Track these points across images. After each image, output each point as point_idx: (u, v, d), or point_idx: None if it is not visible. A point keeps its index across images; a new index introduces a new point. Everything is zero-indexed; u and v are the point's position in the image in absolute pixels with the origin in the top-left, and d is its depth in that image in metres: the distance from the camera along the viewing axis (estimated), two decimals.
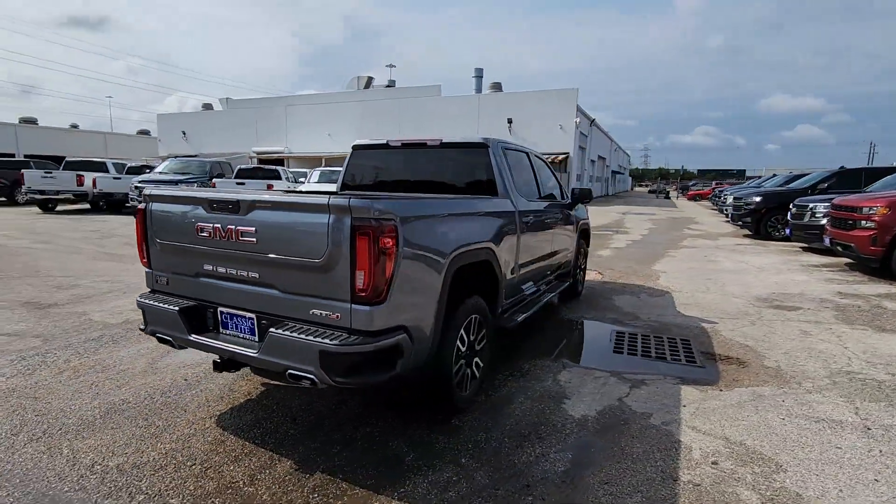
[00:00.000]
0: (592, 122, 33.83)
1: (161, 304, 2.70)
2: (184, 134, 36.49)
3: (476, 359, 3.16)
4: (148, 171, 15.53)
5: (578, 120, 27.76)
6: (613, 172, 53.56)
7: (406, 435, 2.77)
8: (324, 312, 2.29)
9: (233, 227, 2.43)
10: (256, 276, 2.45)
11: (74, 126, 47.92)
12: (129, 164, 16.73)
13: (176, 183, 12.82)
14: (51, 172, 14.96)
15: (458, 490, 2.28)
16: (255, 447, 2.61)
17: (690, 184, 55.73)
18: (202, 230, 2.54)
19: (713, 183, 46.79)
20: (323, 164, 29.27)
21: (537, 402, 3.22)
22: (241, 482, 2.30)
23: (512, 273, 3.69)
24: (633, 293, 6.34)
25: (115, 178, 15.16)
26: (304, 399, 3.19)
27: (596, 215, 19.58)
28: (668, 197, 45.44)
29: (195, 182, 13.02)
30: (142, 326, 2.86)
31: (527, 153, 4.57)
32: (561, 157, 27.34)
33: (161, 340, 2.77)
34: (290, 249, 2.31)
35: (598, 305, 5.71)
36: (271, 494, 2.22)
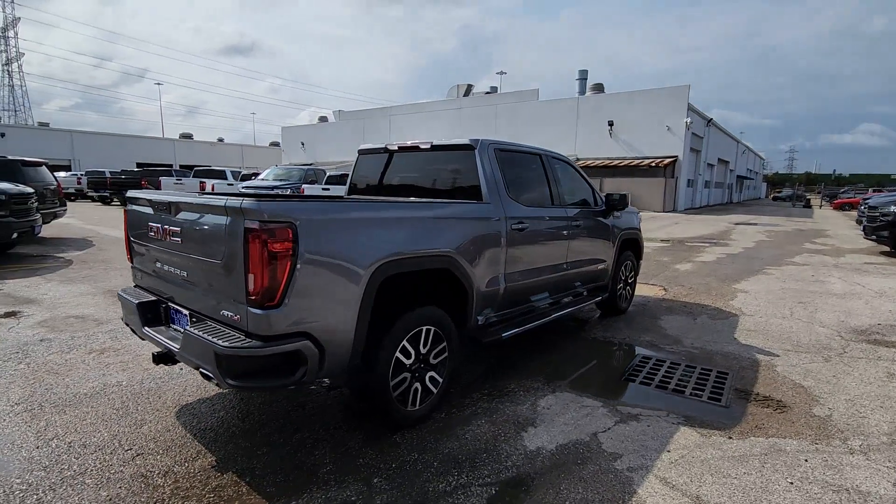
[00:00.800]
0: (709, 121, 30.69)
1: (127, 298, 2.93)
2: (302, 144, 40.11)
3: (431, 373, 2.97)
4: (254, 178, 17.31)
5: (689, 120, 25.38)
6: (740, 178, 48.04)
7: (339, 445, 2.68)
8: (229, 313, 2.31)
9: (167, 227, 2.56)
10: (185, 274, 2.55)
11: (220, 140, 55.25)
12: (242, 172, 18.81)
13: (272, 188, 14.10)
14: (181, 180, 17.39)
15: None
16: (191, 440, 2.71)
17: (841, 191, 47.83)
18: (151, 230, 2.71)
19: (869, 190, 39.65)
20: None
21: (498, 426, 2.93)
22: (156, 473, 2.40)
23: (496, 284, 3.42)
24: (691, 314, 5.56)
25: (228, 185, 17.15)
26: (269, 398, 3.25)
27: (699, 225, 17.73)
28: (807, 205, 39.61)
29: (288, 188, 14.20)
30: (121, 317, 3.14)
31: (540, 155, 4.23)
32: (667, 160, 25.19)
33: (132, 331, 3.01)
34: (201, 250, 2.36)
35: (638, 325, 5.10)
36: (175, 489, 2.28)
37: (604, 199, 4.94)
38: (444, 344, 3.03)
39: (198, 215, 2.39)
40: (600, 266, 4.89)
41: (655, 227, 16.41)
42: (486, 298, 3.39)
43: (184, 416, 2.99)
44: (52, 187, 10.22)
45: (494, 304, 3.53)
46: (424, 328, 2.87)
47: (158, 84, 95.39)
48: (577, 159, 27.74)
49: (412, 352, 2.81)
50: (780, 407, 3.25)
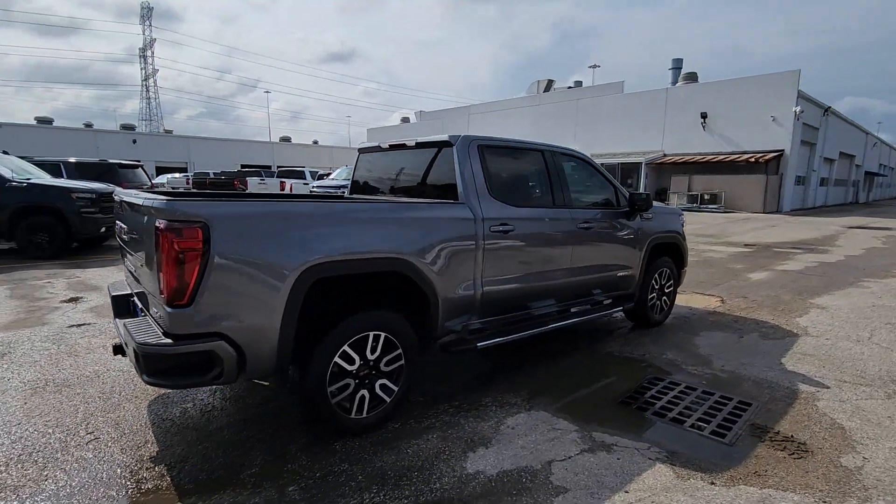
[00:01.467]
0: (826, 110, 26.97)
1: (110, 291, 3.14)
2: None
3: (383, 381, 2.84)
4: (325, 178, 18.19)
5: (800, 109, 22.49)
6: (869, 174, 41.76)
7: (278, 448, 2.65)
8: (156, 310, 2.36)
9: (122, 225, 2.69)
10: (135, 270, 2.66)
11: (315, 142, 59.05)
12: (319, 172, 19.88)
13: (337, 188, 14.69)
14: (264, 180, 18.79)
15: None
16: (147, 429, 2.82)
17: None
18: (119, 228, 2.87)
19: None
20: None
21: (448, 443, 2.73)
22: (99, 458, 2.52)
23: (469, 290, 3.19)
24: (739, 331, 4.86)
25: (304, 184, 18.21)
26: (238, 393, 3.32)
27: (800, 228, 15.69)
28: None
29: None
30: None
31: (543, 152, 3.90)
32: (770, 155, 22.55)
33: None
34: (139, 247, 2.44)
35: (667, 341, 4.55)
36: (105, 477, 2.38)
37: (628, 199, 4.46)
38: (399, 351, 2.88)
39: (135, 214, 2.48)
40: (622, 273, 4.42)
41: (743, 231, 14.75)
42: (459, 305, 3.18)
43: (156, 405, 3.13)
44: (145, 187, 11.46)
45: (474, 311, 3.31)
46: (372, 333, 2.74)
47: (267, 92, 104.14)
48: (664, 155, 25.82)
49: (356, 358, 2.70)
50: (799, 451, 2.69)
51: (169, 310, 2.18)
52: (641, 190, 25.42)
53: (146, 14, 73.23)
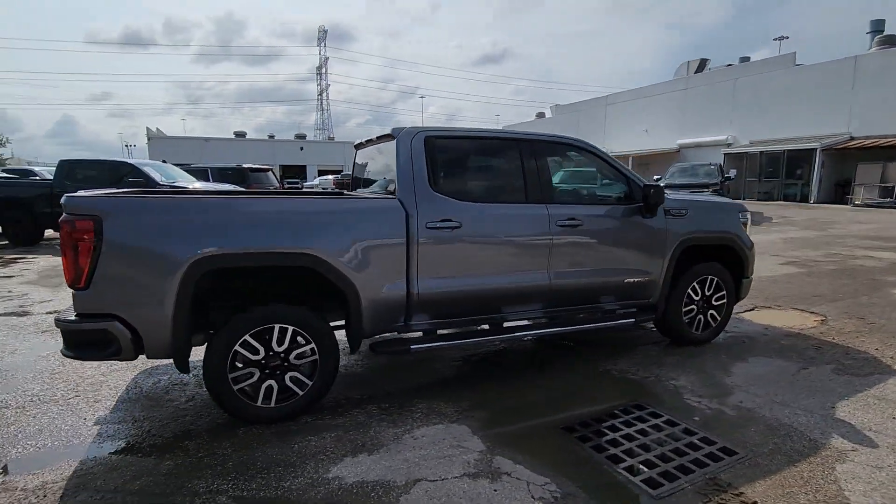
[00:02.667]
0: None
1: None
2: None
3: (294, 374, 2.88)
4: None
5: None
6: None
7: (187, 427, 2.86)
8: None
9: None
10: None
11: None
12: None
13: None
14: None
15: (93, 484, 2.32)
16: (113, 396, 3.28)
17: None
18: None
19: None
20: (630, 164, 27.72)
21: (338, 443, 2.66)
22: (68, 408, 3.02)
23: (401, 289, 3.05)
24: (808, 361, 3.80)
25: None
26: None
27: None
28: None
29: None
30: None
31: (518, 140, 3.51)
32: None
33: None
34: None
35: (694, 364, 3.77)
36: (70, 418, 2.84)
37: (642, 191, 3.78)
38: (312, 346, 2.89)
39: None
40: (632, 279, 3.77)
41: None
42: (389, 305, 3.06)
43: (142, 375, 3.62)
44: (273, 188, 13.18)
45: (411, 313, 3.15)
46: (278, 326, 2.80)
47: (422, 97, 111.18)
48: (851, 139, 21.02)
49: (261, 348, 2.78)
50: None
51: (73, 292, 2.52)
52: (814, 182, 21.08)
53: (322, 37, 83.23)
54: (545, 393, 3.31)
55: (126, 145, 65.31)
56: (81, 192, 2.68)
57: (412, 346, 3.16)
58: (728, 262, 4.23)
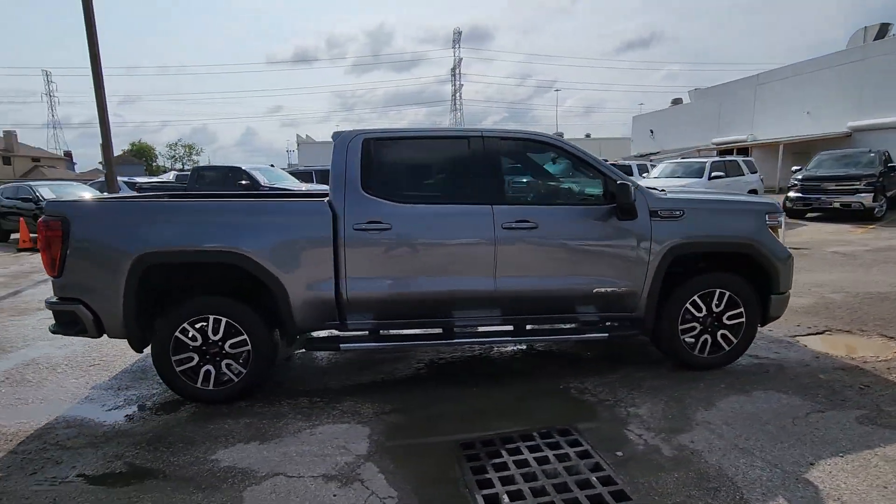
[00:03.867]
0: None
1: None
2: (651, 133, 37.84)
3: (228, 361, 3.16)
4: None
5: None
6: None
7: (153, 404, 3.32)
8: None
9: None
10: None
11: (587, 136, 58.68)
12: None
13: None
14: None
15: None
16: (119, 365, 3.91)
17: None
18: None
19: None
20: (780, 152, 23.96)
21: (246, 429, 2.86)
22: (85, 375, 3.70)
23: (329, 289, 3.14)
24: (837, 404, 3.02)
25: None
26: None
27: None
28: None
29: None
30: None
31: (468, 139, 3.33)
32: None
33: None
34: None
35: (673, 392, 3.23)
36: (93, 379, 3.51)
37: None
38: (244, 337, 3.13)
39: None
40: (609, 289, 3.35)
41: None
42: (319, 304, 3.17)
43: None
44: None
45: (344, 312, 3.23)
46: (213, 317, 3.10)
47: (557, 91, 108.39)
48: None
49: (198, 336, 3.11)
50: None
51: (50, 279, 3.09)
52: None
53: (456, 39, 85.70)
54: (480, 404, 3.13)
55: (287, 151, 74.95)
56: (55, 198, 3.26)
57: (342, 345, 3.24)
58: (751, 274, 3.51)
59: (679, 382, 3.35)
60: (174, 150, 74.41)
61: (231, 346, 3.15)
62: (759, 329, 3.61)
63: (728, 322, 3.51)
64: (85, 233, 3.00)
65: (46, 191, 10.71)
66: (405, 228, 3.18)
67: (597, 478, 2.33)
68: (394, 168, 3.34)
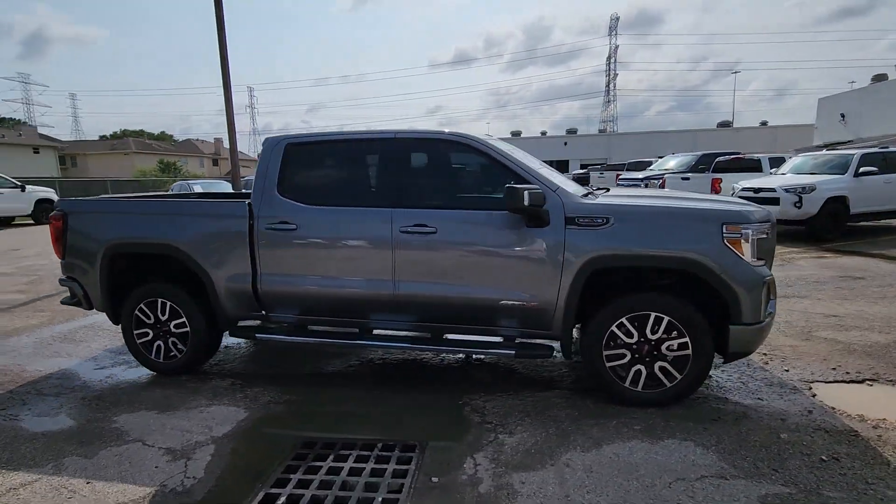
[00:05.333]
0: None
1: None
2: (842, 117, 31.13)
3: (173, 339, 3.66)
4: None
5: None
6: None
7: (126, 368, 3.98)
8: None
9: None
10: None
11: (764, 123, 50.72)
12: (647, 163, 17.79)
13: (639, 181, 13.15)
14: (602, 174, 18.62)
15: None
16: None
17: None
18: None
19: None
20: None
21: (160, 399, 3.30)
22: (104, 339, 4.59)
23: (245, 282, 3.43)
24: (759, 469, 2.34)
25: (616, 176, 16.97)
26: None
27: None
28: None
29: (659, 178, 12.71)
30: None
31: (383, 140, 3.30)
32: None
33: None
34: None
35: (564, 425, 2.82)
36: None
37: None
38: (184, 319, 3.60)
39: None
40: (515, 302, 3.06)
41: None
42: (240, 296, 3.48)
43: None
44: None
45: (261, 305, 3.49)
46: (160, 300, 3.63)
47: (735, 73, 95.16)
48: None
49: (151, 315, 3.66)
50: None
51: (59, 261, 3.91)
52: None
53: (613, 25, 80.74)
54: (366, 408, 3.13)
55: None
56: (61, 197, 4.08)
57: (257, 335, 3.51)
58: (704, 296, 2.88)
59: (589, 416, 2.90)
60: None
61: (175, 327, 3.64)
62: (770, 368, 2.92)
63: (669, 353, 2.92)
64: (77, 225, 3.74)
65: (198, 188, 13.14)
66: (309, 229, 3.31)
67: (384, 499, 2.21)
68: (308, 171, 3.48)
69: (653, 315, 2.90)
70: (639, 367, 2.97)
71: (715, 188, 11.32)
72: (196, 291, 3.61)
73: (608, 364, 3.00)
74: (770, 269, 3.01)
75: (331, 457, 2.57)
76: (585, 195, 3.23)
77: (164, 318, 3.65)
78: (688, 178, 12.17)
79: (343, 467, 2.47)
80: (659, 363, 2.95)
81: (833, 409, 2.92)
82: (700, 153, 13.91)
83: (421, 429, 2.85)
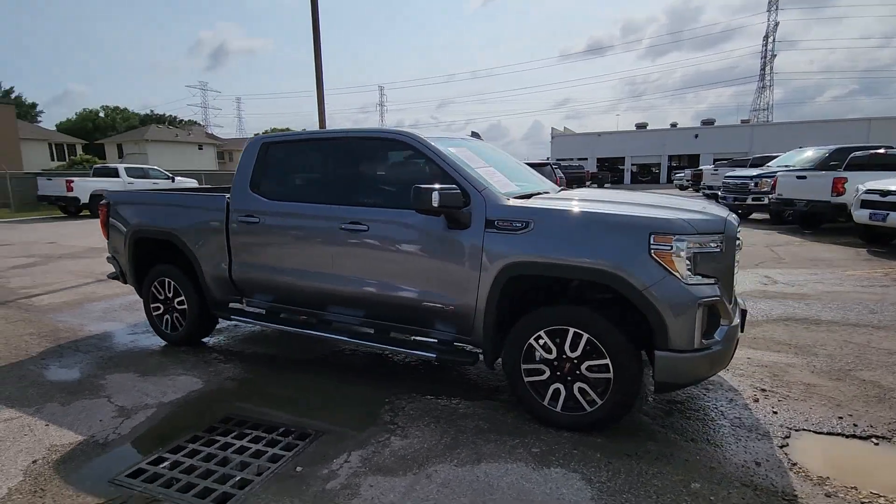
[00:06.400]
0: None
1: None
2: None
3: (176, 315, 4.21)
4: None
5: None
6: None
7: (150, 336, 4.65)
8: None
9: None
10: None
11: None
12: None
13: (748, 178, 11.35)
14: (717, 170, 16.40)
15: None
16: None
17: None
18: None
19: None
20: None
21: (150, 367, 3.83)
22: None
23: (222, 269, 3.80)
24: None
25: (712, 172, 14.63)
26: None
27: None
28: None
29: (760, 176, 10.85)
30: None
31: (336, 139, 3.42)
32: None
33: None
34: None
35: (471, 438, 2.68)
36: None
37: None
38: (183, 297, 4.12)
39: None
40: (435, 304, 2.99)
41: None
42: (221, 281, 3.88)
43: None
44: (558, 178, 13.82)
45: (237, 290, 3.85)
46: (166, 280, 4.19)
47: None
48: None
49: (162, 291, 4.25)
50: None
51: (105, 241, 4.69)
52: None
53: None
54: (304, 394, 3.30)
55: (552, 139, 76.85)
56: (108, 190, 4.84)
57: (232, 316, 3.87)
58: (637, 317, 2.54)
59: (496, 431, 2.73)
60: None
61: (177, 304, 4.18)
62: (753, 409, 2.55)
63: (590, 375, 2.63)
64: (116, 213, 4.47)
65: None
66: (268, 222, 3.57)
67: (241, 479, 2.36)
68: (277, 168, 3.72)
69: (571, 331, 2.63)
70: (558, 385, 2.72)
71: (837, 189, 9.46)
72: (192, 275, 4.10)
73: (526, 379, 2.79)
74: (728, 289, 2.54)
75: (234, 433, 2.79)
76: (526, 196, 3.02)
77: (170, 296, 4.21)
78: (804, 178, 10.32)
79: (236, 444, 2.67)
80: (578, 384, 2.67)
81: (794, 464, 2.38)
82: (834, 147, 11.70)
83: (331, 420, 2.94)
